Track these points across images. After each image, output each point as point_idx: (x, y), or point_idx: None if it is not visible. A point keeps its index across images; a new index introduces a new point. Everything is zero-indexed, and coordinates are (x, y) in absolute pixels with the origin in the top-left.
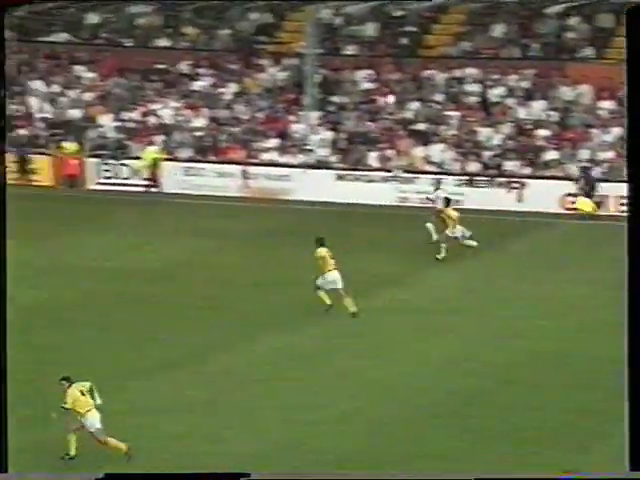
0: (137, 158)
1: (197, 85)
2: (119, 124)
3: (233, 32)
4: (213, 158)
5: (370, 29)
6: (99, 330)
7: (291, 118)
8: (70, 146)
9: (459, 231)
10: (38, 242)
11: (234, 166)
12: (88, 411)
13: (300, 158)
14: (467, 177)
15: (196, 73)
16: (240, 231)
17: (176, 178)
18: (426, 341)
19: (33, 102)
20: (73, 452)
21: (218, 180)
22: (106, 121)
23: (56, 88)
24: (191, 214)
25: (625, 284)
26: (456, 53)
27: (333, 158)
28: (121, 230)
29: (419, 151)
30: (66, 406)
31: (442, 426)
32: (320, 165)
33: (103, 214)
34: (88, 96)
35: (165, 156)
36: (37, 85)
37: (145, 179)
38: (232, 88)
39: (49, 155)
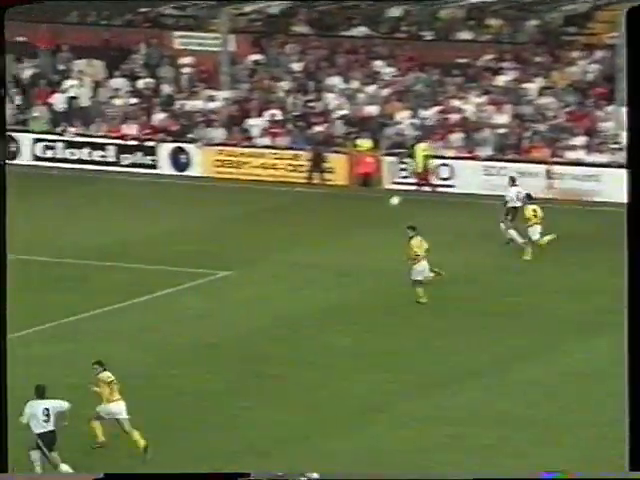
0: (435, 157)
1: (500, 80)
2: (417, 121)
3: (540, 23)
4: (515, 157)
5: None
6: (394, 334)
7: (600, 114)
8: (365, 143)
9: (537, 231)
10: (330, 243)
11: (538, 165)
12: (114, 400)
13: (609, 157)
14: None
15: (499, 67)
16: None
17: (475, 178)
18: None
19: (330, 98)
20: (102, 439)
21: (520, 180)
22: (404, 118)
23: (354, 84)
24: (491, 216)
25: (625, 281)
26: None
27: None
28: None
29: None
30: (95, 389)
31: None
32: None
33: (396, 214)
34: (386, 92)
35: (434, 153)
36: (335, 81)
37: (416, 177)
38: (538, 82)
39: (344, 153)
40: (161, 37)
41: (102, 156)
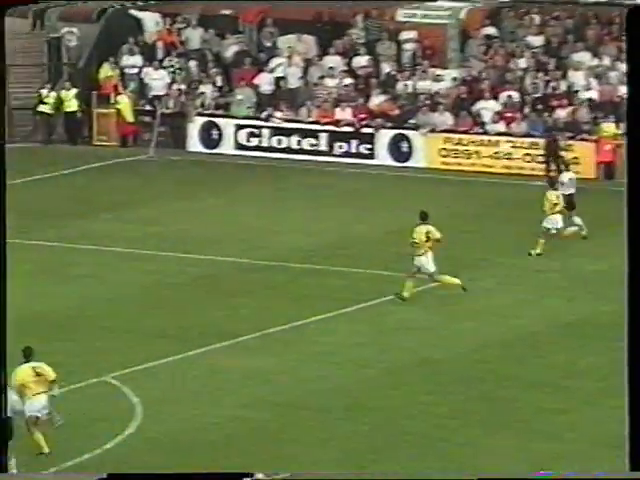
0: None
1: None
2: None
3: None
4: None
5: None
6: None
7: None
8: (609, 128)
9: (560, 220)
10: (571, 246)
11: None
12: (32, 396)
13: None
14: None
15: None
16: None
17: None
18: None
19: (576, 78)
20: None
21: None
22: None
23: (605, 60)
24: None
25: (625, 277)
26: None
27: None
28: None
29: None
30: (14, 384)
31: None
32: None
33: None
34: None
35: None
36: (583, 57)
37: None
38: None
39: (591, 141)
40: (381, 9)
41: (313, 144)
